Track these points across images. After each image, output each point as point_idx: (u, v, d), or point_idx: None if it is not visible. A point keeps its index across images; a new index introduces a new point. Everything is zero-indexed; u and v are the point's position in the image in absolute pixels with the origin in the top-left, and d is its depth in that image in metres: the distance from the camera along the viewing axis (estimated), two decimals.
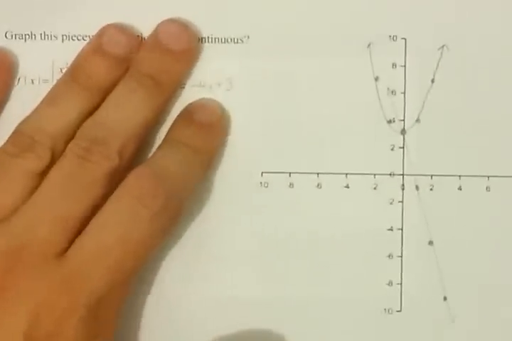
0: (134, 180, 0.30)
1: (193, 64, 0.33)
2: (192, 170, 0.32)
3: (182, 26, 0.33)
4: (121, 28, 0.33)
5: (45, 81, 0.34)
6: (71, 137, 0.31)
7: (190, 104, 0.33)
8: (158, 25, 0.33)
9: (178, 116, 0.33)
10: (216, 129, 0.33)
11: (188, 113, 0.33)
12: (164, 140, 0.33)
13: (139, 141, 0.32)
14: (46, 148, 0.30)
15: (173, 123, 0.33)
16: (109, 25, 0.33)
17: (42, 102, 0.32)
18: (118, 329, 0.32)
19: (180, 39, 0.32)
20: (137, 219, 0.29)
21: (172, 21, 0.33)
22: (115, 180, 0.30)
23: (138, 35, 0.33)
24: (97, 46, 0.32)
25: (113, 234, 0.29)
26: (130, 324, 0.34)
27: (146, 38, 0.33)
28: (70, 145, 0.31)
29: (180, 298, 0.34)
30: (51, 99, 0.32)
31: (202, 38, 0.34)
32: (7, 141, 0.31)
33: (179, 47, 0.32)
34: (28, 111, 0.33)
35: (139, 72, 0.32)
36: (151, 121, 0.32)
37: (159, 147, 0.33)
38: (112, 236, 0.29)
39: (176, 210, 0.31)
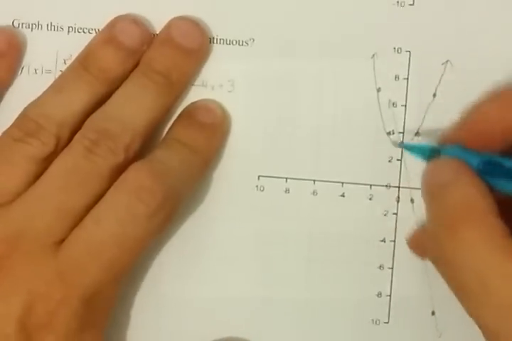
0: (132, 175, 0.30)
1: (203, 63, 0.33)
2: (191, 169, 0.32)
3: (195, 24, 0.33)
4: (134, 20, 0.32)
5: (48, 71, 0.33)
6: (76, 126, 0.31)
7: (192, 104, 0.33)
8: (171, 22, 0.33)
9: (179, 115, 0.33)
10: (217, 130, 0.33)
11: (189, 113, 0.33)
12: (164, 139, 0.33)
13: (145, 139, 0.31)
14: (51, 135, 0.30)
15: (173, 123, 0.33)
16: (122, 16, 0.33)
17: (50, 88, 0.32)
18: (117, 330, 0.33)
19: (194, 37, 0.32)
20: (134, 216, 0.29)
21: (184, 19, 0.33)
22: (118, 175, 0.30)
23: (150, 29, 0.33)
24: (110, 36, 0.32)
25: (108, 229, 0.29)
26: (129, 324, 0.33)
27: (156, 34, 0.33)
28: (77, 136, 0.30)
29: (179, 298, 0.34)
30: (59, 85, 0.32)
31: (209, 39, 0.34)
32: (12, 124, 0.31)
33: (192, 46, 0.32)
34: (29, 101, 0.33)
35: (151, 69, 0.32)
36: (159, 119, 0.32)
37: (159, 146, 0.32)
38: (107, 232, 0.29)
39: (173, 208, 0.30)
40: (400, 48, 0.34)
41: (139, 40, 0.32)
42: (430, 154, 0.31)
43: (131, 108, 0.31)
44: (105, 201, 0.29)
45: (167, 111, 0.33)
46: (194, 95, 0.34)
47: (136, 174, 0.30)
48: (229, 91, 0.34)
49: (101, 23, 0.33)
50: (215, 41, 0.34)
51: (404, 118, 0.34)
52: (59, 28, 0.34)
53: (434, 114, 0.34)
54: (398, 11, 0.34)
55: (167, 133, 0.33)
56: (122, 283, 0.31)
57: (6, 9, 0.33)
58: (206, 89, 0.34)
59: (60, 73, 0.33)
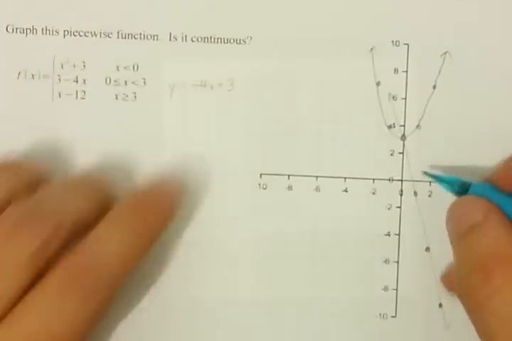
0: (61, 269, 0.28)
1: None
2: (130, 253, 0.29)
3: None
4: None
5: (46, 76, 0.33)
6: None
7: (142, 192, 0.32)
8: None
9: (126, 197, 0.31)
10: (164, 216, 0.31)
11: (137, 199, 0.31)
12: (105, 218, 0.30)
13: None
14: None
15: (119, 203, 0.31)
16: None
17: None
18: (118, 330, 0.33)
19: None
20: (60, 312, 0.27)
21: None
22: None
23: None
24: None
25: (33, 326, 0.27)
26: (129, 324, 0.33)
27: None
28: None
29: (180, 298, 0.34)
30: None
31: (205, 38, 0.33)
32: None
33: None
34: (27, 106, 0.33)
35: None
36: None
37: (99, 225, 0.30)
38: (32, 328, 0.27)
39: (109, 292, 0.28)
40: (398, 41, 0.34)
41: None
42: (459, 188, 0.31)
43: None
44: (32, 296, 0.27)
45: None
46: (194, 95, 0.34)
47: (65, 268, 0.28)
48: (228, 90, 0.34)
49: (97, 26, 0.33)
50: (212, 40, 0.33)
51: (405, 112, 0.34)
52: (54, 31, 0.33)
53: (434, 106, 0.34)
54: (395, 4, 0.34)
55: (110, 212, 0.30)
56: None
57: None
58: (206, 88, 0.34)
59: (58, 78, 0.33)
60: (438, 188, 0.33)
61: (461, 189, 0.31)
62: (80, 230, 0.29)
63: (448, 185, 0.32)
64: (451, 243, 0.30)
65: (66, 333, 0.27)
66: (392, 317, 0.34)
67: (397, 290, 0.34)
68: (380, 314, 0.34)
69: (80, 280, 0.28)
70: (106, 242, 0.29)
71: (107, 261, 0.29)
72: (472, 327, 0.32)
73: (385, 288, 0.34)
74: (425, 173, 0.33)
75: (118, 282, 0.29)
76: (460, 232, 0.29)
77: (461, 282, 0.28)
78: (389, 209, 0.34)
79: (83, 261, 0.28)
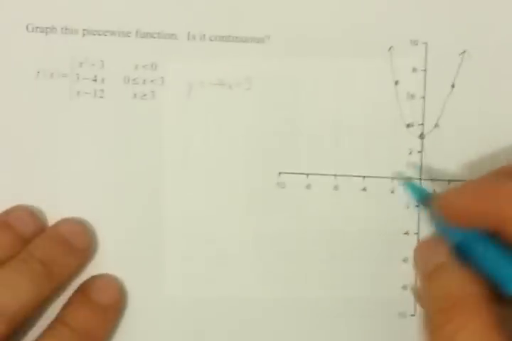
0: None
1: (88, 261, 0.33)
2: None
3: (84, 227, 0.33)
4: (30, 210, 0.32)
5: (64, 75, 0.33)
6: None
7: (90, 280, 0.33)
8: (60, 222, 0.33)
9: (74, 292, 0.32)
10: (112, 311, 0.32)
11: (84, 291, 0.32)
12: (53, 321, 0.31)
13: (17, 324, 0.30)
14: None
15: (67, 300, 0.32)
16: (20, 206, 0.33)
17: None
18: (118, 330, 0.33)
19: (81, 237, 0.32)
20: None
21: (74, 221, 0.33)
22: None
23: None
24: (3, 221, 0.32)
25: None
26: (129, 324, 0.33)
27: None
28: None
29: (180, 298, 0.34)
30: None
31: (223, 37, 0.33)
32: None
33: (79, 246, 0.32)
34: (45, 105, 0.33)
35: (31, 256, 0.31)
36: (34, 307, 0.31)
37: (45, 330, 0.31)
38: None
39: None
40: (417, 40, 0.34)
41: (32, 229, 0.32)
42: (423, 199, 0.32)
43: (3, 293, 0.30)
44: None
45: (43, 300, 0.31)
46: (213, 94, 0.34)
47: None
48: (247, 89, 0.34)
49: (116, 25, 0.33)
50: (230, 39, 0.33)
51: (424, 110, 0.34)
52: (73, 31, 0.33)
53: (453, 104, 0.34)
54: (413, 3, 0.34)
55: (59, 312, 0.32)
56: None
57: (19, 14, 0.33)
58: (224, 87, 0.34)
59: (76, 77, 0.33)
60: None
61: (424, 200, 0.32)
62: None
63: (414, 193, 0.32)
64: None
65: None
66: (411, 315, 0.34)
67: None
68: (399, 312, 0.34)
69: None
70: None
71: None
72: None
73: (404, 287, 0.34)
74: (399, 176, 0.33)
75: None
76: (426, 274, 0.29)
77: (427, 322, 0.28)
78: (408, 208, 0.34)
79: None
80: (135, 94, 0.34)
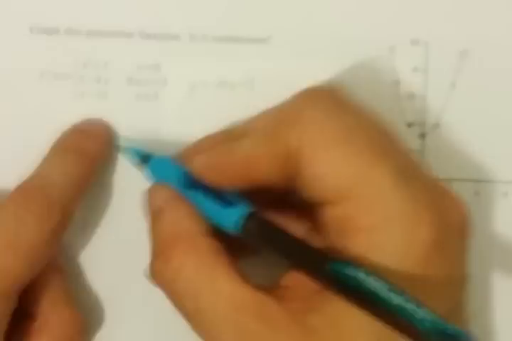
0: (18, 192, 0.30)
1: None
2: (76, 177, 0.31)
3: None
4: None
5: (68, 76, 0.33)
6: None
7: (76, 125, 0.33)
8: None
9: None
10: (103, 140, 0.33)
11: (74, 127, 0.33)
12: (50, 148, 0.32)
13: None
14: None
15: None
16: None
17: None
18: (118, 329, 0.33)
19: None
20: (20, 221, 0.29)
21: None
22: None
23: None
24: None
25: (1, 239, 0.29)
26: (129, 323, 0.34)
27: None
28: None
29: None
30: None
31: (225, 38, 0.34)
32: None
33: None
34: (49, 106, 0.33)
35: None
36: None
37: (44, 157, 0.32)
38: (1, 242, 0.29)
39: (61, 216, 0.30)
40: (417, 40, 0.34)
41: None
42: (142, 159, 0.32)
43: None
44: None
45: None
46: (215, 94, 0.34)
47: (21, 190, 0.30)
48: (249, 90, 0.34)
49: (120, 26, 0.33)
50: (232, 40, 0.34)
51: (424, 110, 0.34)
52: (76, 32, 0.34)
53: (454, 104, 0.34)
54: (414, 2, 0.34)
55: (54, 142, 0.33)
56: (13, 301, 0.30)
57: (22, 15, 0.33)
58: (226, 88, 0.34)
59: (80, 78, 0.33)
60: (457, 186, 0.34)
61: (144, 160, 0.32)
62: None
63: (131, 156, 0.32)
64: None
65: (29, 244, 0.29)
66: None
67: None
68: None
69: (33, 196, 0.30)
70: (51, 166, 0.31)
71: (54, 180, 0.31)
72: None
73: None
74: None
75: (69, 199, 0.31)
76: (149, 220, 0.30)
77: (149, 268, 0.29)
78: None
79: (33, 183, 0.30)
80: (138, 95, 0.34)
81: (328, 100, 0.29)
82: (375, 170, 0.27)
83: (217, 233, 0.28)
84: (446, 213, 0.27)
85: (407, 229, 0.26)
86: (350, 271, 0.25)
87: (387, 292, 0.24)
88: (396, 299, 0.24)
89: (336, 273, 0.25)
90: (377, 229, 0.26)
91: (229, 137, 0.30)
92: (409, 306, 0.24)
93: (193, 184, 0.29)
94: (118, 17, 0.33)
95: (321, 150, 0.27)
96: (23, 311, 0.30)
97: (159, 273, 0.28)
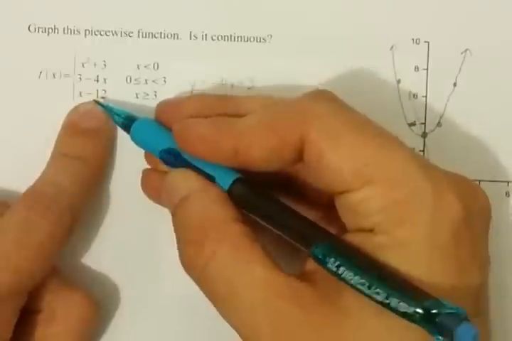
0: (30, 197, 0.31)
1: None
2: (82, 182, 0.32)
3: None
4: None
5: (67, 75, 0.33)
6: None
7: (74, 111, 0.33)
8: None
9: (62, 125, 0.33)
10: (103, 134, 0.33)
11: (72, 122, 0.33)
12: (52, 154, 0.33)
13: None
14: None
15: (58, 134, 0.33)
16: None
17: None
18: (118, 329, 0.33)
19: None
20: (34, 225, 0.30)
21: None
22: None
23: None
24: None
25: (11, 239, 0.30)
26: (130, 323, 0.33)
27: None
28: None
29: (181, 297, 0.33)
30: None
31: (225, 36, 0.34)
32: None
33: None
34: (48, 105, 0.33)
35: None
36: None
37: (48, 164, 0.32)
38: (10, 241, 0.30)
39: (72, 220, 0.31)
40: (419, 39, 0.34)
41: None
42: (124, 120, 0.32)
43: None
44: (6, 217, 0.30)
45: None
46: (214, 92, 0.34)
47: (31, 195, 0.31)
48: (248, 88, 0.34)
49: (118, 25, 0.33)
50: (232, 38, 0.34)
51: (426, 109, 0.34)
52: (75, 31, 0.33)
53: (455, 103, 0.34)
54: (415, 2, 0.34)
55: (54, 147, 0.33)
56: (23, 299, 0.30)
57: (21, 14, 0.33)
58: (225, 86, 0.34)
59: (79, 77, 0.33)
60: None
61: (128, 121, 0.32)
62: None
63: (117, 117, 0.32)
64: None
65: (38, 244, 0.30)
66: None
67: None
68: None
69: (47, 203, 0.30)
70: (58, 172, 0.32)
71: (65, 187, 0.31)
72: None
73: None
74: (96, 102, 0.33)
75: (80, 201, 0.32)
76: (172, 206, 0.29)
77: (180, 256, 0.28)
78: None
79: (45, 189, 0.31)
80: (137, 94, 0.34)
81: (334, 99, 0.29)
82: (395, 153, 0.27)
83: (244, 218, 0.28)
84: (469, 194, 0.27)
85: (435, 206, 0.26)
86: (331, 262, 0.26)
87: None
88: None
89: (317, 257, 0.26)
90: (406, 204, 0.26)
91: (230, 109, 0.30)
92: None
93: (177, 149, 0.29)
94: (117, 16, 0.33)
95: (334, 138, 0.27)
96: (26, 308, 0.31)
97: (191, 260, 0.28)
